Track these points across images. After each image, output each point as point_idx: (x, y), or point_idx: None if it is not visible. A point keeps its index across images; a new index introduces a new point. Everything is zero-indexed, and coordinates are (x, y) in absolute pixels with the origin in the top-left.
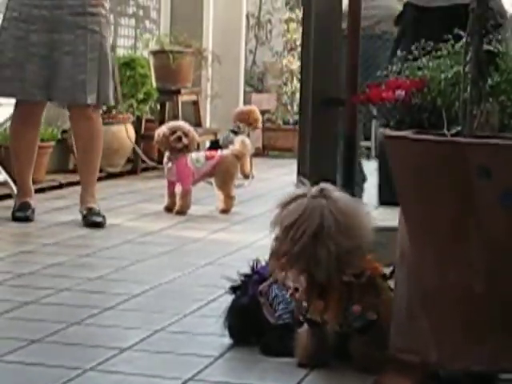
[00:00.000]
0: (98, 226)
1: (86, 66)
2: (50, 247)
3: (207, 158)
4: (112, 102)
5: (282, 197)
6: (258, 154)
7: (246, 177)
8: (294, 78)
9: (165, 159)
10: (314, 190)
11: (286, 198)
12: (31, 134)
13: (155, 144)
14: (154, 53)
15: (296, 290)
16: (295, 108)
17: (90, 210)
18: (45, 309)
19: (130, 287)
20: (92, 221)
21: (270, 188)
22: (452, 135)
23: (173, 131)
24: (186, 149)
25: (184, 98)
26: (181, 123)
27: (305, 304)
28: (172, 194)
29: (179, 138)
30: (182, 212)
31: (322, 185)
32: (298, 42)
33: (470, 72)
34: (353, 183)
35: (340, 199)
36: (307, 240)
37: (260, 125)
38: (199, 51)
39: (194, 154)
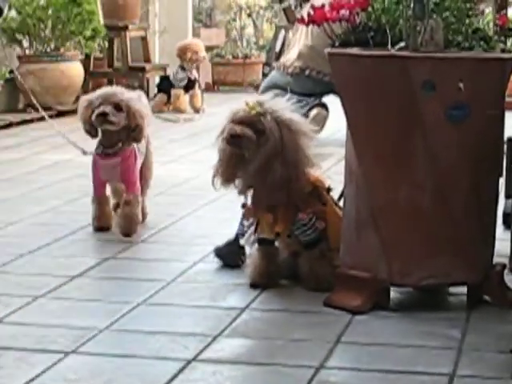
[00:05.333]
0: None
1: None
2: (1, 183)
3: None
4: None
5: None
6: (207, 89)
7: (197, 111)
8: (243, 13)
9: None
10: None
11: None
12: None
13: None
14: None
15: (243, 206)
16: (244, 43)
17: None
18: None
19: (81, 219)
20: None
21: (221, 122)
22: (397, 51)
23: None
24: None
25: (132, 33)
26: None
27: (252, 220)
28: None
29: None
30: None
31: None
32: None
33: None
34: None
35: (285, 111)
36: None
37: (201, 55)
38: None
39: None
